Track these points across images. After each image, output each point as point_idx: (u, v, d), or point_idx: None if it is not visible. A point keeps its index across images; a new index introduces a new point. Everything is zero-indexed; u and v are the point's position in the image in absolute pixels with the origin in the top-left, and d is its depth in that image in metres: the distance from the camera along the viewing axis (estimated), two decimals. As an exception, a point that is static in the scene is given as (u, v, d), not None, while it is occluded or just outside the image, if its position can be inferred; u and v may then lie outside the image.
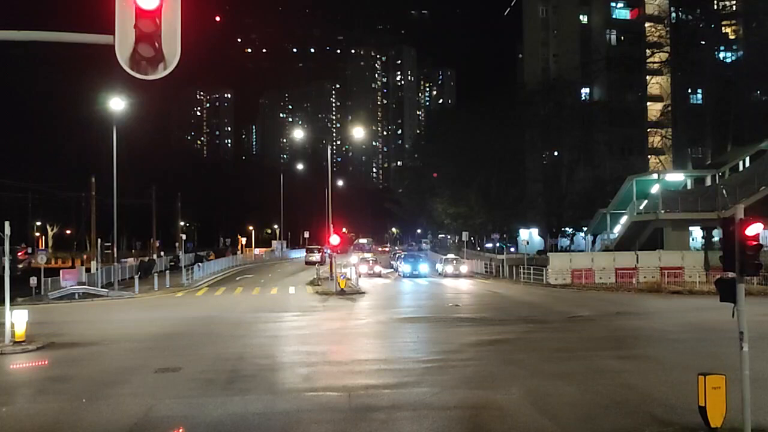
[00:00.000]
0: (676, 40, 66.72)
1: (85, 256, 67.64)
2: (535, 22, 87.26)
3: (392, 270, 58.92)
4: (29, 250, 70.52)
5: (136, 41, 7.20)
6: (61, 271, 39.02)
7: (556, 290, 37.63)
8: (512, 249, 65.90)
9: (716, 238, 40.26)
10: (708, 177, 51.27)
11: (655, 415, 10.64)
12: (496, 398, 12.02)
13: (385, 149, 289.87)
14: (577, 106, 74.42)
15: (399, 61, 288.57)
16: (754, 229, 8.99)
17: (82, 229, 76.93)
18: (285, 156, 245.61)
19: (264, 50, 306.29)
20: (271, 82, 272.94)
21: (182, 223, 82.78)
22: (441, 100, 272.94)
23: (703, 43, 68.23)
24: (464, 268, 52.41)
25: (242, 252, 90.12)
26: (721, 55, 72.29)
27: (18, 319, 19.28)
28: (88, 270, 42.65)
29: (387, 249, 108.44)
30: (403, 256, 62.70)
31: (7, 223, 20.16)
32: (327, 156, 66.28)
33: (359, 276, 43.55)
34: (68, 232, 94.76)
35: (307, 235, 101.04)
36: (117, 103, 43.54)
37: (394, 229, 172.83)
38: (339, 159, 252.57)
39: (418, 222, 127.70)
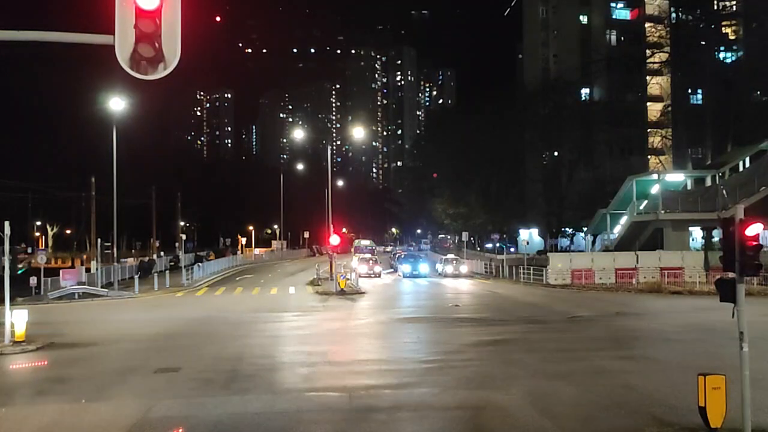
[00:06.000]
0: (676, 40, 66.73)
1: (85, 256, 67.67)
2: (535, 22, 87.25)
3: (392, 270, 58.92)
4: (29, 250, 70.61)
5: (136, 41, 7.21)
6: (61, 271, 38.97)
7: (556, 290, 37.60)
8: (512, 249, 65.89)
9: (716, 239, 40.21)
10: (708, 177, 51.25)
11: (656, 415, 10.63)
12: (497, 399, 12.01)
13: (385, 149, 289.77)
14: (577, 106, 74.45)
15: (399, 61, 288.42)
16: (754, 229, 8.98)
17: (82, 229, 76.98)
18: (285, 156, 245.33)
19: (264, 50, 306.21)
20: (271, 82, 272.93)
21: (182, 223, 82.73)
22: (441, 100, 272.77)
23: (703, 43, 68.23)
24: (464, 269, 52.37)
25: (242, 252, 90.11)
26: (721, 55, 72.31)
27: (18, 319, 19.26)
28: (88, 270, 42.65)
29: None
30: (403, 257, 62.72)
31: (7, 223, 20.16)
32: (327, 156, 66.28)
33: (359, 276, 43.51)
34: (68, 232, 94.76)
35: (307, 235, 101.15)
36: (117, 103, 43.56)
37: (394, 229, 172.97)
38: (339, 159, 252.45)
39: (418, 222, 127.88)
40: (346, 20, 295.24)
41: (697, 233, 47.90)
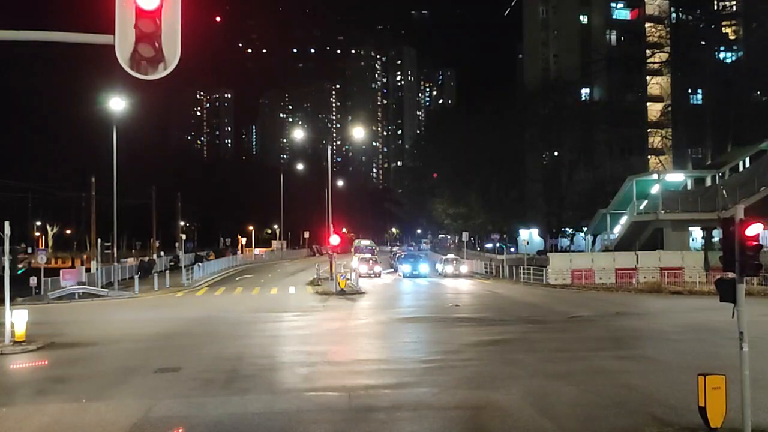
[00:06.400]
0: (676, 40, 66.72)
1: (85, 256, 67.70)
2: (535, 22, 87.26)
3: (392, 270, 58.91)
4: (29, 251, 70.58)
5: (136, 41, 7.21)
6: (61, 271, 38.97)
7: (556, 290, 37.61)
8: (512, 249, 65.90)
9: (716, 239, 40.22)
10: (708, 177, 51.23)
11: (655, 415, 10.63)
12: (496, 398, 12.01)
13: (385, 149, 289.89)
14: (577, 107, 74.44)
15: (399, 61, 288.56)
16: (754, 229, 8.98)
17: (82, 229, 77.04)
18: (285, 156, 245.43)
19: (264, 50, 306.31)
20: (271, 82, 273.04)
21: (182, 223, 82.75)
22: (441, 100, 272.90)
23: (703, 43, 68.22)
24: (464, 269, 52.37)
25: (242, 252, 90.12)
26: (721, 55, 72.30)
27: (18, 319, 19.27)
28: (88, 270, 42.65)
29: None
30: (403, 256, 62.70)
31: (7, 223, 20.17)
32: (327, 156, 66.29)
33: (359, 276, 43.50)
34: (68, 232, 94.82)
35: (307, 235, 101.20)
36: (117, 103, 43.60)
37: (394, 229, 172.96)
38: (339, 159, 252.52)
39: (418, 222, 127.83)
40: (346, 20, 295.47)
41: (697, 233, 47.91)
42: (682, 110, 68.02)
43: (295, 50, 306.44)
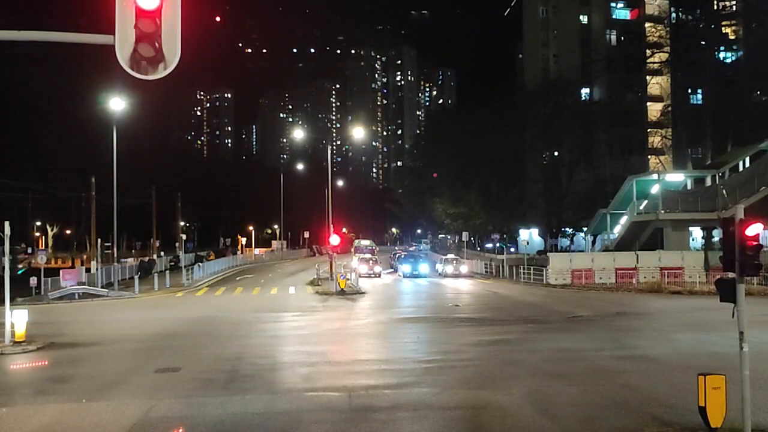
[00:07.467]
0: (676, 40, 66.70)
1: (85, 256, 67.69)
2: (535, 22, 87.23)
3: (392, 270, 58.90)
4: (29, 251, 70.55)
5: (136, 41, 7.21)
6: (61, 271, 39.00)
7: (556, 290, 37.62)
8: (512, 249, 65.86)
9: (716, 239, 40.23)
10: (708, 177, 51.24)
11: (656, 415, 10.64)
12: (497, 398, 12.02)
13: (385, 149, 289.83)
14: (577, 106, 74.38)
15: (399, 61, 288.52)
16: (754, 229, 8.99)
17: (82, 229, 77.00)
18: (285, 156, 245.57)
19: (264, 50, 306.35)
20: (271, 82, 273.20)
21: (182, 223, 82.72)
22: (441, 100, 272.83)
23: (703, 43, 68.22)
24: (464, 269, 52.37)
25: (242, 252, 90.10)
26: (721, 55, 72.30)
27: (18, 319, 19.27)
28: (88, 270, 42.66)
29: None
30: (403, 256, 62.68)
31: (7, 223, 20.18)
32: (327, 156, 66.29)
33: (359, 276, 43.48)
34: (68, 232, 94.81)
35: (307, 235, 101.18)
36: (117, 103, 43.63)
37: (394, 229, 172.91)
38: (339, 159, 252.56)
39: (418, 222, 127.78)
40: (346, 20, 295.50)
41: (697, 233, 47.92)
42: (682, 110, 67.97)
43: (295, 50, 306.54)
